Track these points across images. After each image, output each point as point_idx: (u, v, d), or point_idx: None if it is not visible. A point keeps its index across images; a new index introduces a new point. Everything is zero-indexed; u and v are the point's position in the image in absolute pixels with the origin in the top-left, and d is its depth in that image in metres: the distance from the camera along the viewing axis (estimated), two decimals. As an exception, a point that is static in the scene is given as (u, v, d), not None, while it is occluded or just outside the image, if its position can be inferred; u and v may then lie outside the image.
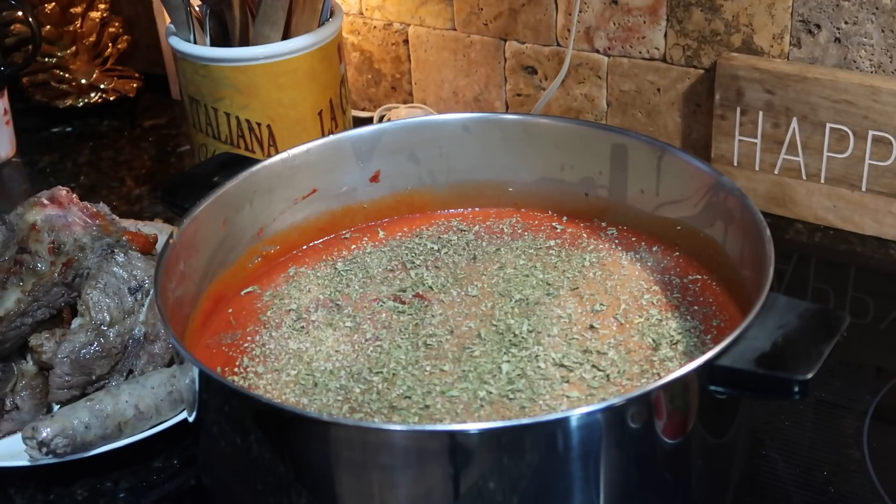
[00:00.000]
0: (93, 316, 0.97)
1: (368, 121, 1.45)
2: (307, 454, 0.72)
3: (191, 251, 0.89)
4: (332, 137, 1.02)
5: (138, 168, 1.45)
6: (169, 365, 0.99)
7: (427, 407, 0.79)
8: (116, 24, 1.66)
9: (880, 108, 1.13)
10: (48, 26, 1.59)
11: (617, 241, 0.98)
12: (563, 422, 0.69)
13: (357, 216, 1.03)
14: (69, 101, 1.59)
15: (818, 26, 1.18)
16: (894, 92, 1.12)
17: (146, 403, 0.95)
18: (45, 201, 1.01)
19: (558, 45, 1.35)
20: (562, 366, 0.82)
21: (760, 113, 1.20)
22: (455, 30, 1.41)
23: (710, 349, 0.72)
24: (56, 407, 0.97)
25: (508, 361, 0.83)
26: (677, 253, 0.96)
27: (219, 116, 1.21)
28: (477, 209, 1.04)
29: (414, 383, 0.81)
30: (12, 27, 1.56)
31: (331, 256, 0.99)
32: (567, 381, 0.81)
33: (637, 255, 0.96)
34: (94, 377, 0.97)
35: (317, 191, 1.00)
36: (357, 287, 0.94)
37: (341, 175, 1.01)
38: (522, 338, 0.85)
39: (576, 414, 0.69)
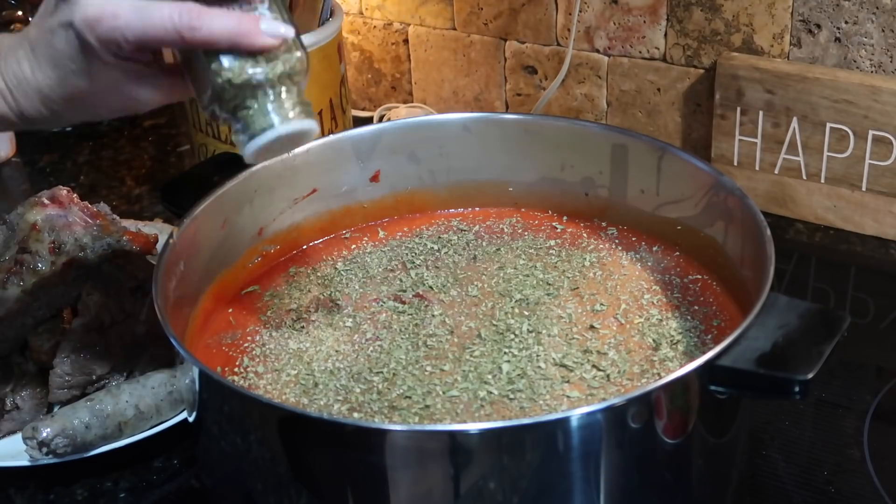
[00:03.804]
0: (93, 316, 0.97)
1: (368, 121, 1.45)
2: (307, 454, 0.72)
3: (191, 251, 0.89)
4: (332, 137, 1.02)
5: (138, 168, 1.45)
6: (169, 365, 0.99)
7: (427, 407, 0.79)
8: (116, 23, 1.66)
9: (880, 107, 1.13)
10: (48, 26, 1.59)
11: (617, 241, 0.98)
12: (564, 422, 0.69)
13: (357, 216, 1.03)
14: (69, 101, 1.59)
15: (818, 26, 1.18)
16: (894, 91, 1.12)
17: (146, 403, 0.95)
18: (46, 201, 1.01)
19: (558, 44, 1.35)
20: (562, 366, 0.82)
21: (760, 113, 1.20)
22: (455, 29, 1.41)
23: (710, 349, 0.72)
24: (56, 407, 0.97)
25: (509, 361, 0.83)
26: (677, 253, 0.96)
27: (219, 116, 1.21)
28: (477, 209, 1.04)
29: (414, 383, 0.81)
30: (12, 27, 1.56)
31: (331, 256, 0.99)
32: (567, 381, 0.81)
33: (637, 255, 0.96)
34: (94, 377, 0.97)
35: (317, 191, 1.00)
36: (357, 287, 0.94)
37: (341, 175, 1.01)
38: (523, 338, 0.85)
39: (576, 414, 0.69)
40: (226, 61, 0.73)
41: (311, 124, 0.76)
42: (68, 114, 0.78)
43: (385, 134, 1.02)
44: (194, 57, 0.74)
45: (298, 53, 0.75)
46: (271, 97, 0.74)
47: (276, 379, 0.84)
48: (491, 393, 0.80)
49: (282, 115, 0.74)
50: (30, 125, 0.79)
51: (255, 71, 0.73)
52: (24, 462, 0.92)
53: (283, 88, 0.74)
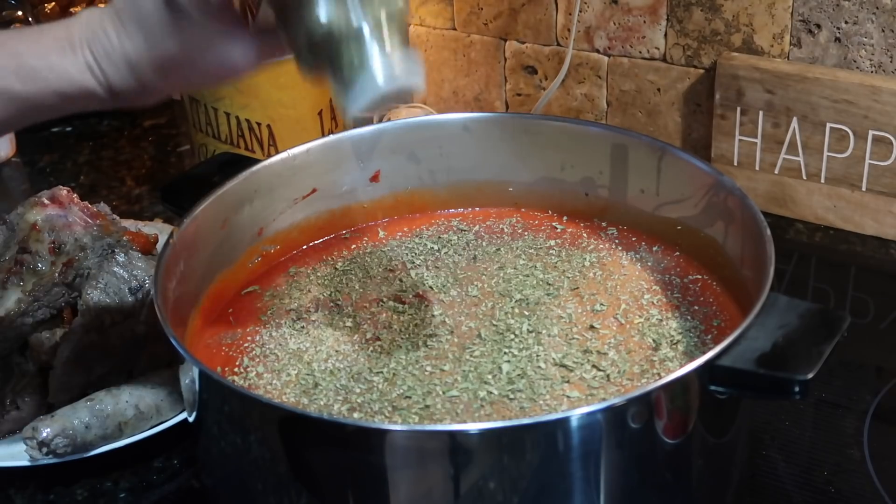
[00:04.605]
0: (93, 316, 0.97)
1: (368, 121, 1.45)
2: (307, 454, 0.72)
3: (191, 251, 0.89)
4: (332, 137, 1.02)
5: (138, 168, 1.45)
6: (169, 365, 0.99)
7: (427, 407, 0.79)
8: (116, 23, 1.66)
9: (880, 107, 1.13)
10: (48, 26, 1.59)
11: (617, 241, 0.98)
12: (564, 422, 0.69)
13: (357, 216, 1.03)
14: (69, 101, 1.59)
15: (818, 26, 1.18)
16: (894, 92, 1.12)
17: (146, 403, 0.95)
18: (46, 201, 1.01)
19: (558, 44, 1.35)
20: (562, 366, 0.82)
21: (761, 113, 1.20)
22: (455, 29, 1.41)
23: (710, 349, 0.72)
24: (56, 407, 0.97)
25: (509, 361, 0.83)
26: (677, 253, 0.96)
27: (219, 116, 1.21)
28: (477, 209, 1.04)
29: (414, 383, 0.81)
30: (12, 27, 1.56)
31: (331, 256, 0.99)
32: (567, 381, 0.81)
33: (637, 255, 0.96)
34: (94, 377, 0.97)
35: (317, 191, 1.00)
36: (357, 287, 0.94)
37: (341, 175, 1.01)
38: (523, 338, 0.85)
39: (576, 414, 0.69)
40: (322, 7, 0.68)
41: (416, 77, 0.71)
42: (159, 83, 0.75)
43: (385, 134, 1.02)
44: (288, 7, 0.70)
45: None
46: (371, 45, 0.69)
47: (276, 379, 0.84)
48: (491, 393, 0.80)
49: (384, 66, 0.69)
50: (120, 101, 0.76)
51: (354, 15, 0.68)
52: (24, 462, 0.92)
53: (384, 34, 0.69)
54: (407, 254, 0.98)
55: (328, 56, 0.69)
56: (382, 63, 0.69)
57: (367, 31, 0.68)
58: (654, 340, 0.85)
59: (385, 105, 0.72)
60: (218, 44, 0.73)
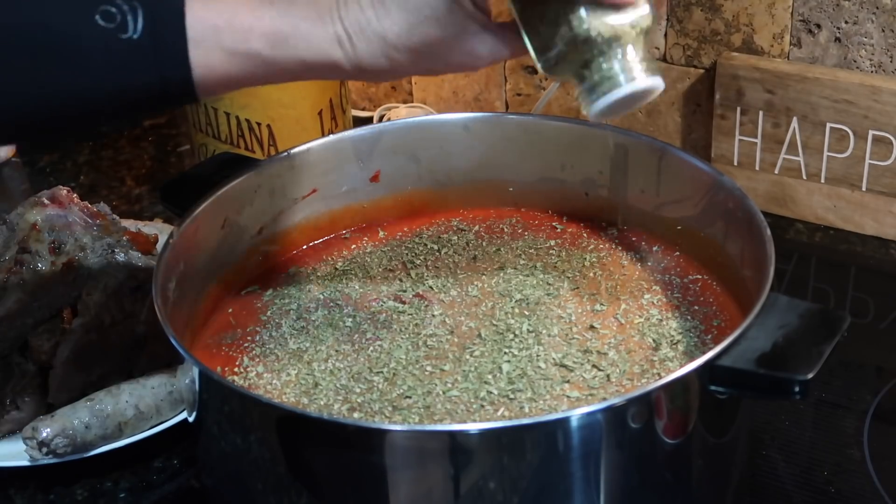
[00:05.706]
0: (93, 316, 0.97)
1: (368, 120, 1.45)
2: (307, 454, 0.72)
3: (191, 251, 0.89)
4: (332, 137, 1.02)
5: (138, 168, 1.45)
6: (169, 365, 0.99)
7: (427, 407, 0.79)
8: (116, 23, 1.65)
9: (880, 107, 1.13)
10: (48, 26, 1.59)
11: (617, 241, 0.98)
12: (564, 422, 0.69)
13: (357, 216, 1.03)
14: (69, 101, 1.59)
15: (818, 26, 1.18)
16: (894, 92, 1.12)
17: (146, 403, 0.95)
18: (46, 201, 1.01)
19: (558, 44, 1.34)
20: (562, 366, 0.82)
21: (761, 113, 1.20)
22: (455, 29, 1.41)
23: (710, 349, 0.72)
24: (56, 407, 0.97)
25: (509, 361, 0.83)
26: (677, 253, 0.96)
27: (219, 116, 1.21)
28: (477, 209, 1.04)
29: (414, 383, 0.81)
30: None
31: (331, 256, 0.99)
32: (567, 381, 0.81)
33: (637, 255, 0.96)
34: (94, 377, 0.97)
35: (317, 191, 1.00)
36: (357, 287, 0.94)
37: (341, 175, 1.01)
38: (523, 338, 0.85)
39: (576, 414, 0.69)
40: (588, 14, 0.71)
41: (659, 81, 0.74)
42: (407, 66, 0.74)
43: (385, 134, 1.02)
44: (546, 10, 0.72)
45: (648, 7, 0.73)
46: (623, 54, 0.72)
47: (275, 379, 0.84)
48: (491, 393, 0.80)
49: (633, 73, 0.72)
50: (361, 76, 0.75)
51: (616, 24, 0.71)
52: (24, 462, 0.92)
53: (635, 44, 0.72)
54: (407, 254, 0.98)
55: (580, 60, 0.72)
56: (629, 68, 0.72)
57: (623, 40, 0.72)
58: (654, 340, 0.85)
59: (626, 107, 0.74)
60: (472, 35, 0.73)
